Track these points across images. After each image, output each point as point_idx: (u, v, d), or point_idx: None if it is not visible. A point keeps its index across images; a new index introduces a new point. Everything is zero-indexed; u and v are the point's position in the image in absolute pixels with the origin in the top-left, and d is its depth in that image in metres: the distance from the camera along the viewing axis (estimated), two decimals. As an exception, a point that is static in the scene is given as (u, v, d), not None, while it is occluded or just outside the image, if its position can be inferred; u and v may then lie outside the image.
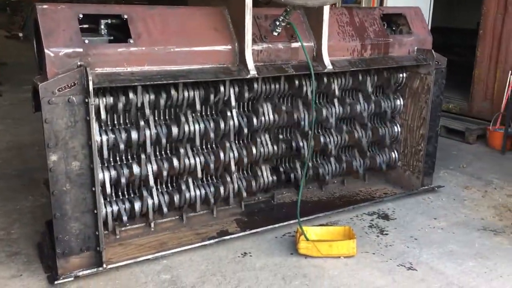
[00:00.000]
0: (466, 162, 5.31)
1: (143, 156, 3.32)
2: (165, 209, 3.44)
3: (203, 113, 3.59)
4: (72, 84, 2.76)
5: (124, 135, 3.24)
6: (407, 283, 3.07)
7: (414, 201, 4.27)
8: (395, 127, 4.43)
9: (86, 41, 2.91)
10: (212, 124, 3.50)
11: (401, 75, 4.31)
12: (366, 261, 3.30)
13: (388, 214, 4.01)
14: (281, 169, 3.99)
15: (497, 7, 6.19)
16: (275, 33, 3.49)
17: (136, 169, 3.29)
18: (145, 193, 3.37)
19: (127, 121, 3.34)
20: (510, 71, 5.92)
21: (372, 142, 4.44)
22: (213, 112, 3.64)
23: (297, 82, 3.77)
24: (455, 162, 5.28)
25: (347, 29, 3.89)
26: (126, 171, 3.28)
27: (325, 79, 3.91)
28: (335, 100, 4.04)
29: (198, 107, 3.44)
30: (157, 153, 3.49)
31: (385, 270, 3.20)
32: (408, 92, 4.37)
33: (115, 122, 3.32)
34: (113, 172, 3.26)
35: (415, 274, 3.17)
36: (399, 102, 4.38)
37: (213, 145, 3.67)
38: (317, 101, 4.02)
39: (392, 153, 4.50)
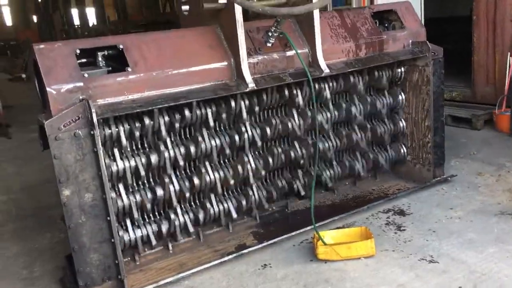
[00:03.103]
0: (476, 148, 5.28)
1: (166, 178, 3.38)
2: (191, 228, 3.51)
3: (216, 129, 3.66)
4: (76, 118, 2.82)
5: (144, 159, 3.30)
6: (430, 276, 3.05)
7: (428, 194, 4.25)
8: (400, 122, 4.44)
9: (86, 75, 2.97)
10: (227, 139, 3.57)
11: (399, 70, 4.33)
12: (387, 259, 3.29)
13: (403, 210, 3.99)
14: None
15: (487, -10, 6.19)
16: (269, 44, 3.53)
17: (159, 192, 3.35)
18: (172, 214, 3.44)
19: (139, 146, 3.42)
20: (509, 53, 5.91)
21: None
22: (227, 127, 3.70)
23: (295, 89, 3.80)
24: (465, 150, 5.26)
25: (339, 31, 3.93)
26: (149, 195, 3.35)
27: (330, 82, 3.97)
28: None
29: (211, 123, 3.49)
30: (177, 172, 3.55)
31: (406, 266, 3.19)
32: (408, 86, 4.38)
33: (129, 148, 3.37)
34: (138, 197, 3.32)
35: (437, 266, 3.15)
36: (401, 97, 4.39)
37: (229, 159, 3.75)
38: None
39: (400, 148, 4.50)
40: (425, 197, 4.19)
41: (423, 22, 6.16)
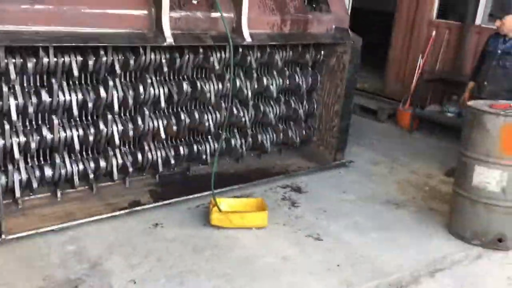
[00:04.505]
0: (377, 139, 5.58)
1: (55, 121, 3.19)
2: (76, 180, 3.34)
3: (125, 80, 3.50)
4: (-34, 40, 2.53)
5: (35, 99, 3.06)
6: (313, 252, 3.20)
7: (326, 175, 4.43)
8: (311, 103, 4.54)
9: (-16, -4, 2.66)
10: (131, 92, 3.40)
11: (318, 52, 4.39)
12: (277, 232, 3.40)
13: (300, 187, 4.13)
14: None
15: (411, -8, 6.45)
16: (194, 1, 3.41)
17: (47, 134, 3.14)
18: (57, 160, 3.26)
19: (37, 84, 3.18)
20: (420, 55, 6.25)
21: (287, 118, 4.51)
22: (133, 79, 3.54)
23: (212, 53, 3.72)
24: (367, 139, 5.53)
25: (268, 2, 3.89)
26: (36, 136, 3.12)
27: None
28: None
29: (118, 70, 3.31)
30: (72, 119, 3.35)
31: (294, 240, 3.31)
32: (325, 69, 4.48)
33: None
34: (22, 138, 3.07)
35: (322, 244, 3.31)
36: (316, 78, 4.47)
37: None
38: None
39: (307, 129, 4.61)
40: (322, 178, 4.36)
41: (349, 10, 6.31)
